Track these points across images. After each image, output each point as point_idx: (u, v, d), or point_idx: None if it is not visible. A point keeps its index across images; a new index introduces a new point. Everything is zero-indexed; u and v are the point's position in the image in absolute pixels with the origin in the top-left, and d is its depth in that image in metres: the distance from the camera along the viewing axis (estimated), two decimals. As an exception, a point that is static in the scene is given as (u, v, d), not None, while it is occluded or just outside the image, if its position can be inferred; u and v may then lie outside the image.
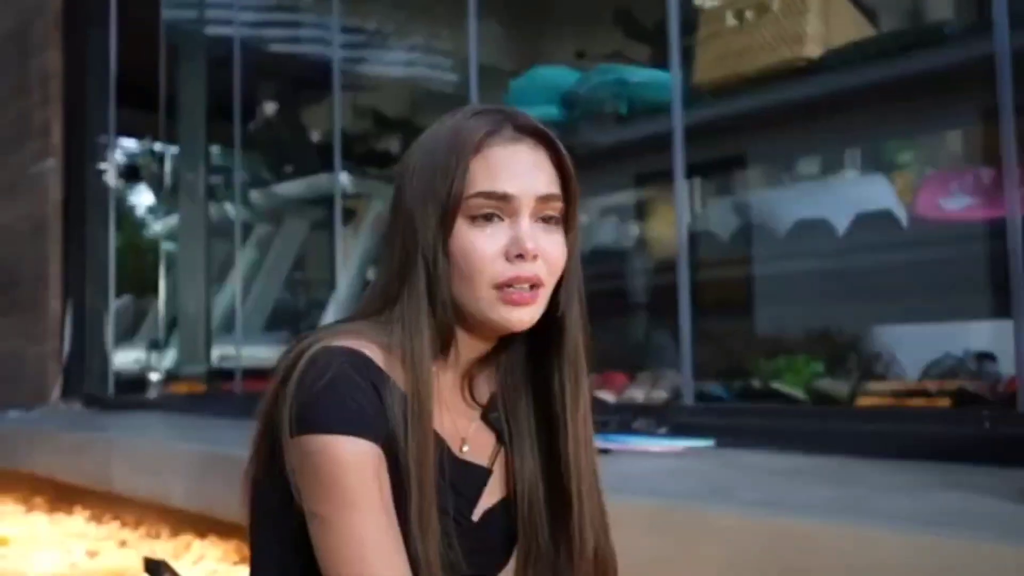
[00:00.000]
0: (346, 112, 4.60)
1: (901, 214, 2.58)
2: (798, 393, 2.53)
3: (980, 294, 2.34)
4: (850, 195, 2.89)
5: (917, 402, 2.29)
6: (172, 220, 5.90)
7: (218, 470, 2.71)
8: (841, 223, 2.63)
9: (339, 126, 4.28)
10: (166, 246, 5.94)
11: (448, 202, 0.83)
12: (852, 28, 2.64)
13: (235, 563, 2.72)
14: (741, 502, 1.56)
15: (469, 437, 0.92)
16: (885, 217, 2.58)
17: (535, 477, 0.92)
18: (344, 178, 4.33)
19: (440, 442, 0.87)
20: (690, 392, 2.56)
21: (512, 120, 0.87)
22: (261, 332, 5.18)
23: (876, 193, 2.78)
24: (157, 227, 6.49)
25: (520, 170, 0.84)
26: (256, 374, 4.52)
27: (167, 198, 6.19)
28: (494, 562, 0.93)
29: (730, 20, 2.72)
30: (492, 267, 0.83)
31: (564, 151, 0.88)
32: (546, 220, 0.86)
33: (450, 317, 0.85)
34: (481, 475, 0.92)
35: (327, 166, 4.49)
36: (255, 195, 5.27)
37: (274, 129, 5.31)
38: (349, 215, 4.96)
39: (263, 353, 4.86)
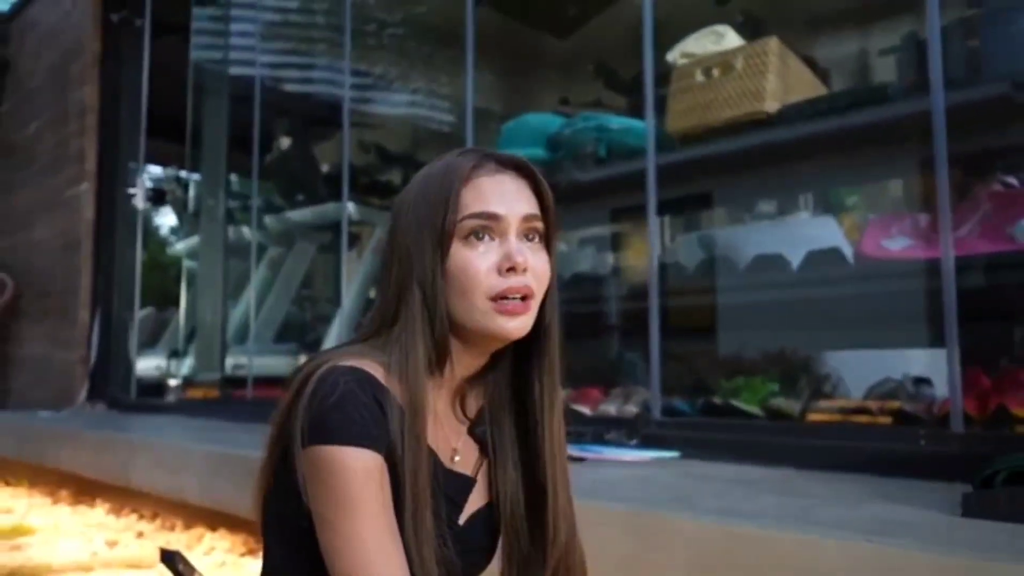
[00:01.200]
0: (353, 147, 4.62)
1: (848, 252, 2.60)
2: (754, 410, 2.53)
3: (917, 325, 2.36)
4: (803, 234, 2.91)
5: (860, 419, 2.30)
6: (193, 240, 5.89)
7: (229, 469, 2.69)
8: (795, 258, 2.65)
9: (347, 160, 4.29)
10: (187, 264, 5.92)
11: (444, 226, 0.84)
12: (806, 87, 2.69)
13: (242, 554, 2.70)
14: (701, 509, 1.56)
15: (459, 449, 0.93)
16: (833, 254, 2.60)
17: (516, 485, 0.93)
18: (350, 207, 4.34)
19: (432, 454, 0.87)
20: (658, 407, 2.56)
21: (495, 156, 0.89)
22: (271, 344, 5.17)
23: (826, 233, 2.80)
24: (179, 246, 6.46)
25: (505, 195, 0.87)
26: (266, 382, 4.50)
27: (189, 221, 6.18)
28: (479, 561, 0.94)
29: (699, 76, 2.75)
30: (487, 280, 0.84)
31: (542, 180, 0.90)
32: (530, 239, 0.88)
33: (447, 333, 0.86)
34: (467, 484, 0.93)
35: (335, 195, 4.50)
36: (269, 220, 5.27)
37: (288, 161, 5.32)
38: (353, 240, 4.97)
39: (273, 363, 4.84)
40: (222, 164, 5.65)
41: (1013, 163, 2.38)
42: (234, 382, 4.75)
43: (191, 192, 6.02)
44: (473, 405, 0.95)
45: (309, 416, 0.80)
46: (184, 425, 4.20)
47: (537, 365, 0.91)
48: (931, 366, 2.26)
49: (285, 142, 5.26)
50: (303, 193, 5.31)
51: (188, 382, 5.26)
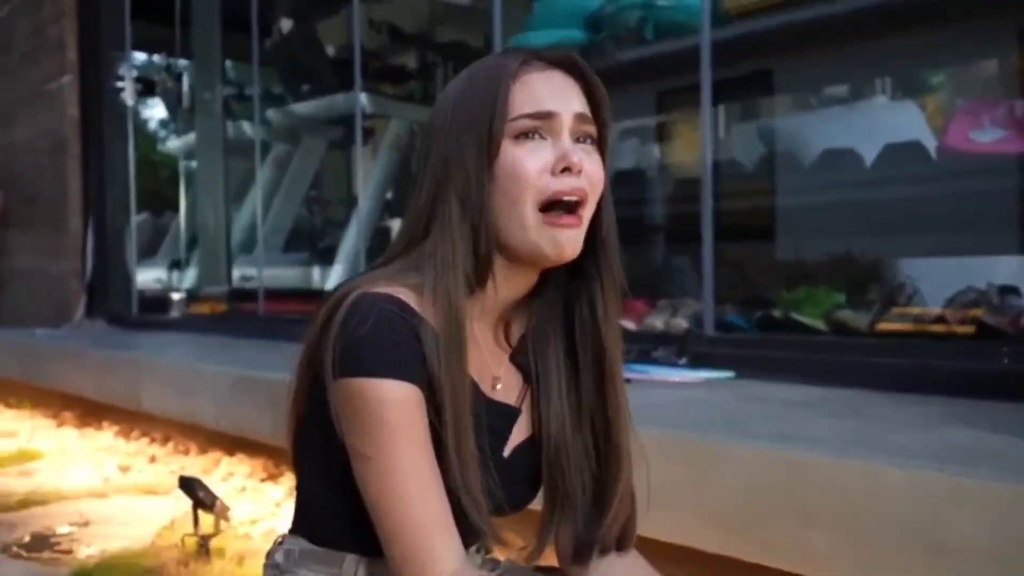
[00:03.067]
0: (361, 27, 4.54)
1: (930, 145, 2.56)
2: (818, 324, 2.55)
3: (1008, 228, 2.33)
4: (879, 124, 2.85)
5: (936, 329, 2.31)
6: (189, 138, 5.91)
7: (247, 392, 2.80)
8: (869, 153, 2.61)
9: (358, 43, 4.23)
10: (184, 164, 5.96)
11: (492, 127, 0.86)
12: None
13: (262, 480, 2.84)
14: (757, 435, 1.61)
15: (500, 377, 0.96)
16: (914, 148, 2.56)
17: (561, 419, 0.96)
18: (362, 98, 4.30)
19: (472, 382, 0.90)
20: (710, 322, 2.60)
21: (543, 55, 0.91)
22: (280, 253, 5.24)
23: (906, 122, 2.75)
24: (174, 144, 6.49)
25: (557, 91, 0.88)
26: (277, 295, 4.59)
27: (183, 115, 6.18)
28: (524, 495, 0.99)
29: (762, -61, 2.65)
30: (539, 181, 0.86)
31: (596, 79, 0.91)
32: (582, 142, 0.89)
33: (492, 246, 0.88)
34: (511, 414, 0.97)
35: (344, 84, 4.46)
36: (272, 114, 5.26)
37: (290, 46, 5.26)
38: (367, 135, 4.95)
39: (283, 274, 4.93)
40: (217, 50, 5.60)
41: None
42: (242, 295, 4.86)
43: (184, 83, 6.00)
44: (516, 331, 0.98)
45: (341, 346, 0.84)
46: (193, 343, 4.34)
47: (599, 282, 0.93)
48: (1021, 274, 2.25)
49: (286, 24, 5.18)
50: (309, 82, 5.27)
51: (192, 296, 5.39)
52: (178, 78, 6.07)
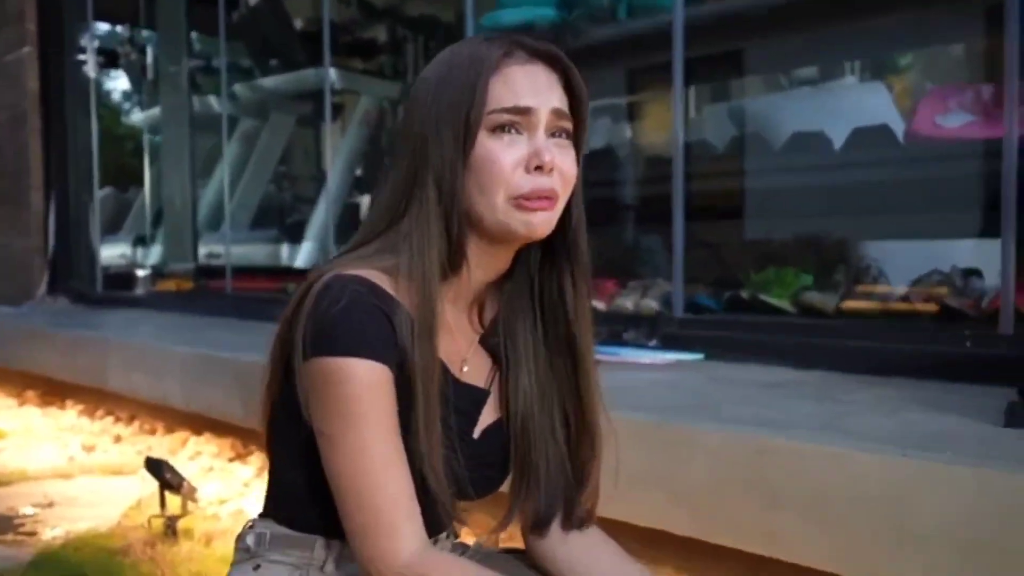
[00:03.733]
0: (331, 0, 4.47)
1: (898, 128, 2.58)
2: (785, 306, 2.57)
3: (972, 212, 2.36)
4: (848, 107, 2.87)
5: (899, 307, 2.34)
6: (154, 112, 5.81)
7: (216, 373, 2.77)
8: (838, 137, 2.63)
9: (328, 16, 4.16)
10: (149, 138, 5.86)
11: (469, 118, 0.86)
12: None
13: (230, 459, 2.82)
14: (727, 418, 1.63)
15: (468, 359, 0.97)
16: (882, 132, 2.58)
17: (529, 396, 0.97)
18: (332, 73, 4.25)
19: (441, 364, 0.90)
20: (680, 303, 2.61)
21: (526, 45, 0.90)
22: (247, 230, 5.18)
23: (874, 105, 2.77)
24: (139, 117, 6.36)
25: (537, 86, 0.88)
26: (245, 273, 4.54)
27: (148, 88, 6.06)
28: (496, 476, 0.99)
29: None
30: (512, 178, 0.86)
31: (576, 73, 0.91)
32: (557, 136, 0.89)
33: (465, 231, 0.88)
34: (479, 396, 0.97)
35: (313, 59, 4.40)
36: (240, 88, 5.18)
37: (258, 18, 5.17)
38: (336, 111, 4.90)
39: (251, 251, 4.87)
40: (182, 21, 5.49)
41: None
42: (209, 272, 4.81)
43: (149, 54, 5.88)
44: (488, 314, 0.99)
45: (312, 327, 0.84)
46: (160, 322, 4.29)
47: (569, 272, 0.95)
48: (983, 258, 2.28)
49: (254, -4, 5.09)
50: (277, 56, 5.19)
51: (158, 273, 5.32)
52: (142, 50, 5.95)
